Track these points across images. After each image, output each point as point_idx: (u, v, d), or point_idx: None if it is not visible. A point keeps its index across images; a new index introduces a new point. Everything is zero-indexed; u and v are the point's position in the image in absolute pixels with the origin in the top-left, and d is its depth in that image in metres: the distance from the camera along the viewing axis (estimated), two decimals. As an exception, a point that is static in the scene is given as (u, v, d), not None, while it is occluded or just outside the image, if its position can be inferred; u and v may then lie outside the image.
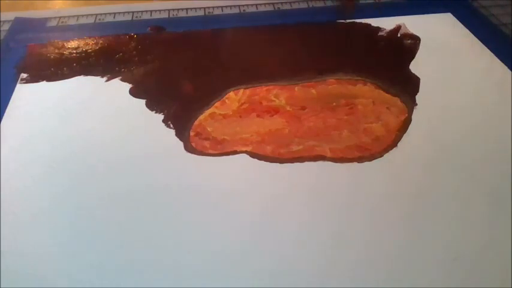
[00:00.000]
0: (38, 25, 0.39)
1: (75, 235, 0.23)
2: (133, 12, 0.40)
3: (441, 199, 0.25)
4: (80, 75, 0.33)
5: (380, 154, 0.27)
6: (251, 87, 0.32)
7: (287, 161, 0.27)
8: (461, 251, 0.22)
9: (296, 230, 0.23)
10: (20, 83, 0.32)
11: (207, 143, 0.28)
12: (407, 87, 0.32)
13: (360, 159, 0.27)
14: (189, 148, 0.28)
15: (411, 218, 0.24)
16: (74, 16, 0.40)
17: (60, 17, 0.39)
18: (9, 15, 0.39)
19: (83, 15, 0.40)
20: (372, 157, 0.27)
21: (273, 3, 0.41)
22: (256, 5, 0.41)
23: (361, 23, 0.39)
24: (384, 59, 0.35)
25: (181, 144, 0.28)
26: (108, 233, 0.23)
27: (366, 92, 0.31)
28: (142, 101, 0.31)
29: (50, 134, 0.28)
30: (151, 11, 0.40)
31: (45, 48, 0.36)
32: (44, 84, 0.32)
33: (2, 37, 0.37)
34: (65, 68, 0.33)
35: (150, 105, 0.30)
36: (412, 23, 0.38)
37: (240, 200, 0.25)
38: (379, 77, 0.32)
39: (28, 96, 0.31)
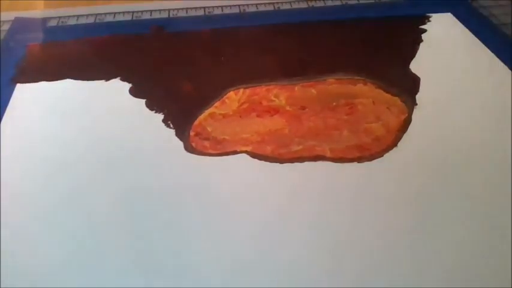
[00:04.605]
0: (38, 25, 0.39)
1: (74, 235, 0.23)
2: (133, 12, 0.40)
3: (441, 199, 0.25)
4: (79, 75, 0.33)
5: (380, 154, 0.27)
6: (251, 87, 0.32)
7: (287, 161, 0.27)
8: (462, 250, 0.22)
9: (296, 230, 0.23)
10: (20, 83, 0.32)
11: (207, 143, 0.28)
12: (407, 87, 0.32)
13: (360, 159, 0.27)
14: (189, 148, 0.28)
15: (411, 218, 0.24)
16: (74, 16, 0.40)
17: (60, 17, 0.39)
18: (9, 15, 0.39)
19: (83, 15, 0.40)
20: (371, 157, 0.27)
21: (273, 3, 0.41)
22: (256, 5, 0.41)
23: (361, 22, 0.39)
24: (384, 58, 0.35)
25: (181, 144, 0.28)
26: (108, 232, 0.23)
27: (366, 92, 0.31)
28: (142, 101, 0.31)
29: (49, 134, 0.28)
30: (151, 11, 0.40)
31: (45, 48, 0.36)
32: (44, 84, 0.32)
33: (2, 37, 0.37)
34: (64, 68, 0.33)
35: (150, 105, 0.30)
36: (412, 23, 0.38)
37: (239, 199, 0.25)
38: (379, 76, 0.32)
39: (28, 96, 0.31)
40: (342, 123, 0.29)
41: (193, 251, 0.22)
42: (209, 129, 0.29)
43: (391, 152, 0.27)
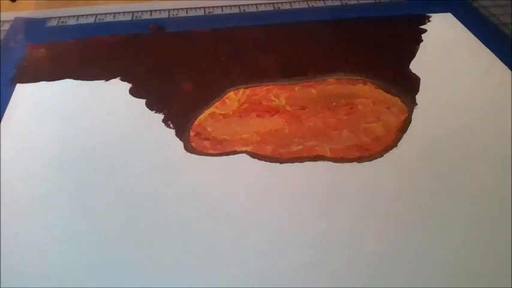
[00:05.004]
0: (38, 25, 0.39)
1: (75, 235, 0.23)
2: (133, 12, 0.40)
3: (441, 199, 0.25)
4: (79, 75, 0.33)
5: (380, 154, 0.27)
6: (251, 87, 0.32)
7: (287, 161, 0.27)
8: (462, 250, 0.22)
9: (296, 230, 0.23)
10: (20, 83, 0.32)
11: (207, 143, 0.28)
12: (407, 87, 0.32)
13: (360, 159, 0.27)
14: (189, 148, 0.28)
15: (411, 218, 0.24)
16: (74, 16, 0.40)
17: (60, 17, 0.40)
18: (9, 15, 0.39)
19: (83, 15, 0.40)
20: (372, 157, 0.27)
21: (273, 3, 0.41)
22: (256, 5, 0.41)
23: (361, 22, 0.39)
24: (384, 58, 0.35)
25: (181, 144, 0.28)
26: (108, 232, 0.23)
27: (366, 92, 0.31)
28: (142, 101, 0.31)
29: (49, 134, 0.28)
30: (151, 11, 0.40)
31: (45, 48, 0.36)
32: (43, 84, 0.32)
33: (2, 37, 0.37)
34: (64, 68, 0.33)
35: (150, 105, 0.30)
36: (412, 23, 0.38)
37: (239, 199, 0.25)
38: (379, 76, 0.32)
39: (28, 96, 0.31)
40: (342, 123, 0.29)
41: (193, 250, 0.22)
42: (209, 129, 0.29)
43: (391, 152, 0.27)
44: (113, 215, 0.24)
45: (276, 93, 0.31)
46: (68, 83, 0.32)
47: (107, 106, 0.30)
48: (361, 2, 0.42)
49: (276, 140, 0.28)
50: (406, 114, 0.30)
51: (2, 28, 0.38)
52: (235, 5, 0.41)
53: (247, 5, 0.41)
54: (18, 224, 0.23)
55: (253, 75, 0.33)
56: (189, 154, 0.27)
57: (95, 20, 0.39)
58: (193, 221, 0.24)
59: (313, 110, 0.30)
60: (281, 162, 0.27)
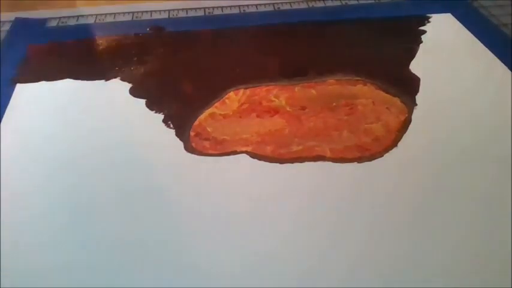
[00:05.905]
0: (38, 25, 0.39)
1: (74, 235, 0.23)
2: (133, 12, 0.40)
3: (441, 199, 0.25)
4: (79, 75, 0.33)
5: (380, 154, 0.27)
6: (251, 87, 0.32)
7: (287, 161, 0.27)
8: (462, 250, 0.22)
9: (296, 230, 0.23)
10: (20, 83, 0.32)
11: (207, 143, 0.28)
12: (407, 87, 0.32)
13: (360, 159, 0.27)
14: (189, 148, 0.28)
15: (411, 218, 0.24)
16: (74, 16, 0.40)
17: (60, 17, 0.39)
18: (9, 15, 0.39)
19: (83, 16, 0.40)
20: (372, 157, 0.27)
21: (273, 3, 0.41)
22: (256, 5, 0.41)
23: (361, 22, 0.39)
24: (384, 59, 0.35)
25: (181, 144, 0.28)
26: (108, 232, 0.23)
27: (366, 92, 0.31)
28: (142, 101, 0.31)
29: (49, 133, 0.28)
30: (151, 11, 0.40)
31: (45, 48, 0.36)
32: (43, 84, 0.32)
33: (2, 37, 0.37)
34: (64, 68, 0.33)
35: (150, 105, 0.30)
36: (412, 23, 0.38)
37: (239, 200, 0.25)
38: (379, 77, 0.32)
39: (28, 96, 0.31)
40: (342, 123, 0.29)
41: (193, 250, 0.22)
42: (209, 129, 0.29)
43: (391, 152, 0.27)
44: (112, 215, 0.24)
45: (276, 94, 0.31)
46: (68, 83, 0.32)
47: (107, 106, 0.30)
48: (361, 2, 0.42)
49: (276, 140, 0.28)
50: (406, 115, 0.30)
51: (2, 28, 0.38)
52: (235, 5, 0.41)
53: (247, 5, 0.41)
54: (18, 224, 0.23)
55: (253, 76, 0.33)
56: (189, 154, 0.27)
57: (95, 20, 0.39)
58: (193, 221, 0.24)
59: (313, 110, 0.30)
60: (281, 163, 0.27)
